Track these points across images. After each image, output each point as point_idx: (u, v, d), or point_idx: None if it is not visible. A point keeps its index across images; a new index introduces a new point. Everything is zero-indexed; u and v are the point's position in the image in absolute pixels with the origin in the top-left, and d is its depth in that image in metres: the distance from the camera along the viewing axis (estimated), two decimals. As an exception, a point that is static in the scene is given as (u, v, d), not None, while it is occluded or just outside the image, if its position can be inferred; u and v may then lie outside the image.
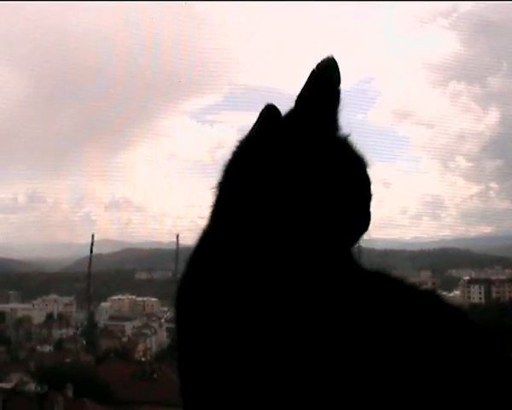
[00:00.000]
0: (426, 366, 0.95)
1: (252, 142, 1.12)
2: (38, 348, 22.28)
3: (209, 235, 1.11)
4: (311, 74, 1.10)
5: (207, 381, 1.00)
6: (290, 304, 0.98)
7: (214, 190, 1.13)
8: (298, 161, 1.07)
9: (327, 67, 1.11)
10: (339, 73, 1.11)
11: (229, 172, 1.13)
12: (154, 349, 22.34)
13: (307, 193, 1.06)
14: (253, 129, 1.14)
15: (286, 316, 0.97)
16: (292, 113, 1.11)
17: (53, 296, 27.59)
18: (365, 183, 1.14)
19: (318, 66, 1.10)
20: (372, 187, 1.16)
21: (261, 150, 1.10)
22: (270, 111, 1.13)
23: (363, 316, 0.98)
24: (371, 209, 1.15)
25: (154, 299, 26.57)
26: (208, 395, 1.01)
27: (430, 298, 1.06)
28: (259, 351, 0.96)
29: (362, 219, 1.13)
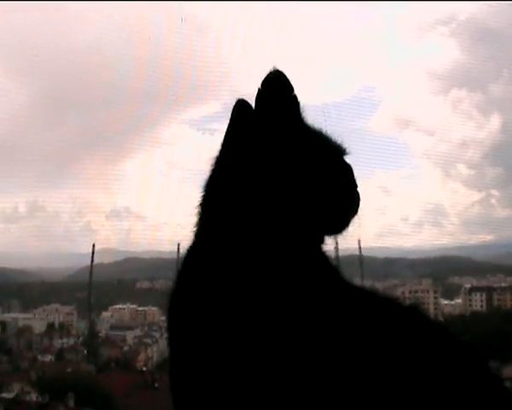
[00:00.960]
0: (404, 379, 0.94)
1: (229, 155, 1.12)
2: (39, 357, 22.22)
3: (195, 250, 1.11)
4: (257, 93, 1.10)
5: (202, 391, 1.00)
6: (281, 309, 0.98)
7: (197, 207, 1.14)
8: (278, 171, 1.08)
9: (272, 80, 1.10)
10: (287, 80, 1.11)
11: (209, 190, 1.13)
12: (155, 359, 22.29)
13: (291, 204, 1.06)
14: (227, 137, 1.14)
15: (278, 322, 0.97)
16: (254, 134, 1.10)
17: (54, 306, 27.54)
18: (342, 175, 1.14)
19: (263, 83, 1.10)
20: (355, 176, 1.17)
21: (238, 163, 1.10)
22: (240, 113, 1.13)
23: (347, 326, 0.98)
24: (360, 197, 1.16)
25: (155, 308, 26.51)
26: (203, 406, 1.00)
27: (411, 313, 1.05)
28: (256, 361, 0.96)
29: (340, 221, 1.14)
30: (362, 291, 1.08)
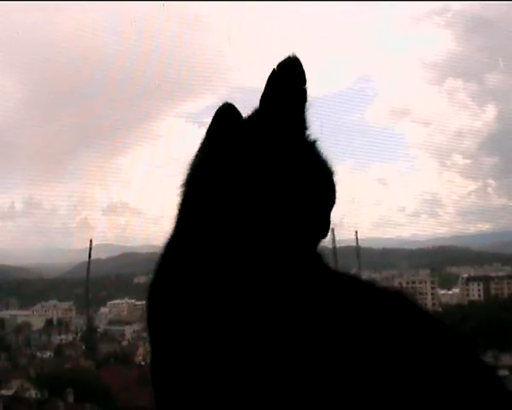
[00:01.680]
0: (390, 369, 0.94)
1: (212, 147, 1.11)
2: (38, 354, 22.22)
3: (175, 242, 1.10)
4: (271, 74, 1.07)
5: (183, 387, 1.00)
6: (260, 304, 0.98)
7: (178, 195, 1.12)
8: (259, 166, 1.06)
9: (288, 66, 1.07)
10: (303, 71, 1.08)
11: (192, 177, 1.12)
12: (154, 353, 22.30)
13: (268, 197, 1.05)
14: (210, 132, 1.13)
15: (258, 318, 0.97)
16: (255, 115, 1.09)
17: (52, 302, 27.54)
18: (327, 189, 1.12)
19: (279, 65, 1.07)
20: (337, 194, 1.13)
21: (221, 156, 1.08)
22: (226, 112, 1.12)
23: (329, 317, 0.97)
24: (337, 214, 1.14)
25: (153, 303, 26.50)
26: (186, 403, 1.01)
27: (398, 299, 1.05)
28: (237, 356, 0.96)
29: (321, 225, 1.12)
30: (345, 279, 1.08)
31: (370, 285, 1.07)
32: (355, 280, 1.08)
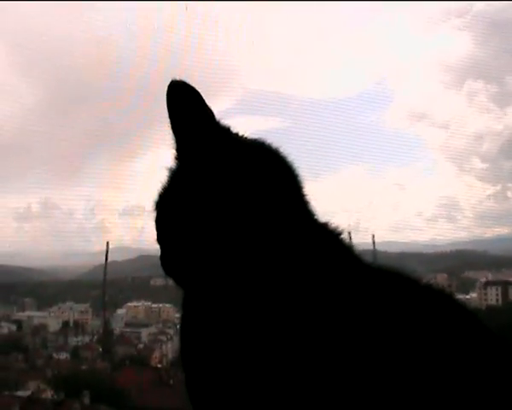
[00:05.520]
0: (430, 369, 0.93)
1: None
2: (55, 355, 22.39)
3: None
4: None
5: (211, 381, 1.01)
6: (286, 299, 0.97)
7: None
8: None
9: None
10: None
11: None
12: (169, 356, 22.38)
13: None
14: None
15: (283, 313, 0.96)
16: None
17: (69, 304, 27.70)
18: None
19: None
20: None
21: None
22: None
23: (364, 313, 0.97)
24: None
25: (169, 305, 26.59)
26: (214, 396, 1.01)
27: (441, 297, 1.05)
28: (260, 351, 0.95)
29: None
30: (388, 274, 1.07)
31: (416, 281, 1.07)
32: (399, 276, 1.07)
